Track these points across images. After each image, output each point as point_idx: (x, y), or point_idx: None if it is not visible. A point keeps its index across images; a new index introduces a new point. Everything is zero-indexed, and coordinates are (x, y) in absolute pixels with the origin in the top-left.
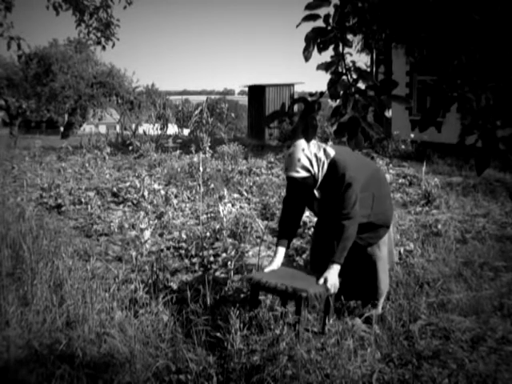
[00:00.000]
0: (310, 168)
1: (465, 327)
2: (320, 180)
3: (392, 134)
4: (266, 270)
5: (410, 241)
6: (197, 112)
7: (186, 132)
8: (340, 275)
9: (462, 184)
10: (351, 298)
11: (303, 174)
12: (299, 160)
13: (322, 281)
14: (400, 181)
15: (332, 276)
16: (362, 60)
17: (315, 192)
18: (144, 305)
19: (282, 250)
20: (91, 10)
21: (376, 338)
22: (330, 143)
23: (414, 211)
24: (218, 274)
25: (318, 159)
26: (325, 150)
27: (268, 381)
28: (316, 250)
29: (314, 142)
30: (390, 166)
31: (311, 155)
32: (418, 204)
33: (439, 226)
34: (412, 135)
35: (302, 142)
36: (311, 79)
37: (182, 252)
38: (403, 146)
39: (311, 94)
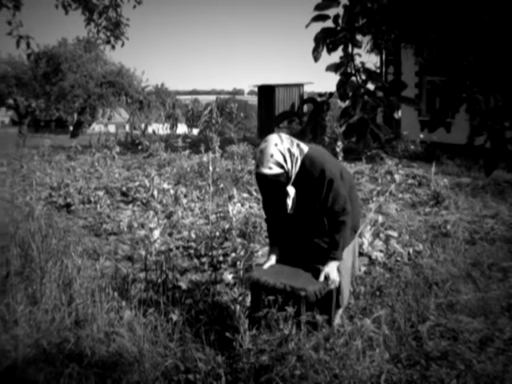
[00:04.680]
0: (284, 164)
1: (473, 328)
2: (294, 177)
3: (401, 135)
4: (265, 266)
5: (419, 241)
6: (206, 112)
7: (195, 132)
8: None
9: (471, 185)
10: (309, 308)
11: (276, 170)
12: (272, 155)
13: (322, 277)
14: (409, 181)
15: (333, 272)
16: (371, 61)
17: (288, 189)
18: (153, 304)
19: (273, 251)
20: (100, 9)
21: (385, 339)
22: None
23: (423, 212)
24: (226, 273)
25: (291, 154)
26: (298, 145)
27: (276, 381)
28: (285, 250)
29: (286, 137)
30: (400, 166)
31: (285, 150)
32: (427, 205)
33: (448, 227)
34: (421, 136)
35: (274, 137)
36: (320, 79)
37: (192, 252)
38: (412, 147)
39: (320, 95)
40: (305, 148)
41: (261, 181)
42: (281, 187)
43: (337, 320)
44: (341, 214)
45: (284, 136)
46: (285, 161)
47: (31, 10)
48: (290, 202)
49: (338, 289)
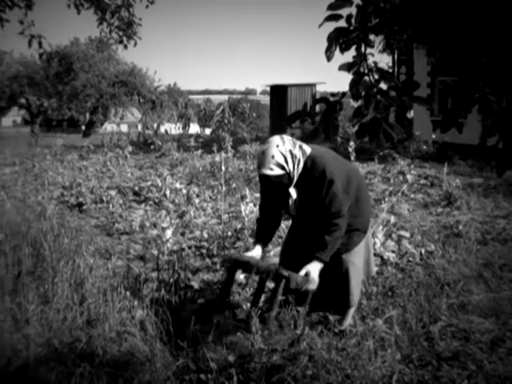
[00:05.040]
0: (285, 165)
1: (484, 328)
2: (296, 178)
3: (413, 135)
4: (247, 254)
5: (431, 242)
6: (219, 111)
7: (207, 131)
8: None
9: (483, 185)
10: (319, 309)
11: (277, 171)
12: (273, 157)
13: (303, 272)
14: (421, 181)
15: (314, 271)
16: (384, 61)
17: (291, 191)
18: (165, 303)
19: (259, 246)
20: (113, 9)
21: (396, 339)
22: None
23: (435, 212)
24: (239, 273)
25: (293, 156)
26: (301, 147)
27: (288, 381)
28: (288, 252)
29: (288, 139)
30: (412, 166)
31: (286, 152)
32: (439, 205)
33: (460, 227)
34: (433, 136)
35: (276, 139)
36: (332, 79)
37: (204, 251)
38: (425, 147)
39: (333, 94)
40: (307, 149)
41: (263, 181)
42: (283, 188)
43: (348, 320)
44: (335, 216)
45: (286, 138)
46: (286, 162)
47: (43, 9)
48: (292, 203)
49: (348, 289)
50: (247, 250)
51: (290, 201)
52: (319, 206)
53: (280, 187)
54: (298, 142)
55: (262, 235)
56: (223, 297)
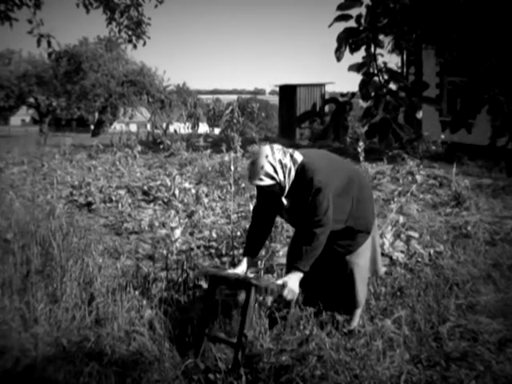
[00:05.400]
0: (275, 175)
1: (492, 329)
2: (287, 187)
3: (422, 135)
4: (228, 271)
5: (440, 242)
6: (228, 111)
7: (216, 131)
8: (318, 283)
9: (492, 186)
10: (328, 309)
11: (267, 181)
12: (262, 167)
13: (280, 282)
14: (430, 182)
15: (292, 282)
16: (393, 61)
17: (283, 200)
18: (174, 303)
19: (246, 259)
20: (122, 9)
21: (405, 339)
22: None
23: (443, 212)
24: (248, 273)
25: (283, 166)
26: (291, 156)
27: (297, 381)
28: (294, 253)
29: (278, 148)
30: (421, 166)
31: (275, 162)
32: (447, 205)
33: (469, 228)
34: (442, 136)
35: (265, 149)
36: (341, 79)
37: (213, 251)
38: (433, 147)
39: (343, 95)
40: (299, 157)
41: (259, 189)
42: (277, 195)
43: (356, 320)
44: (315, 225)
45: (276, 147)
46: (276, 172)
47: (52, 8)
48: (284, 213)
49: (353, 290)
50: (234, 265)
51: (284, 209)
52: (306, 213)
53: (274, 194)
54: (290, 151)
55: (252, 245)
56: (204, 318)
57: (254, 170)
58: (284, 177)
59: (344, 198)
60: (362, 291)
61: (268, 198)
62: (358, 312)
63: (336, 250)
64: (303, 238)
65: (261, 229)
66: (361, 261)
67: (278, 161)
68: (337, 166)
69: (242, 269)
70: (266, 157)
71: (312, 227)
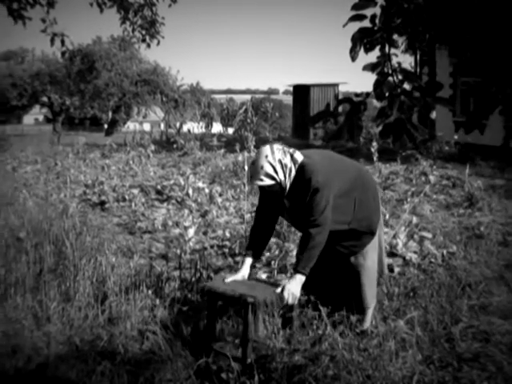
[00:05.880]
0: (275, 175)
1: (505, 330)
2: (288, 187)
3: (436, 136)
4: (227, 280)
5: (453, 243)
6: (241, 111)
7: (230, 131)
8: (324, 285)
9: (505, 187)
10: (337, 310)
11: (268, 181)
12: (262, 167)
13: (279, 290)
14: (443, 182)
15: (292, 286)
16: (406, 61)
17: (284, 200)
18: (187, 302)
19: (248, 261)
20: (136, 8)
21: (417, 340)
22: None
23: (456, 213)
24: (261, 273)
25: (283, 166)
26: (292, 156)
27: (309, 381)
28: None
29: (279, 148)
30: (434, 167)
31: (275, 162)
32: (460, 206)
33: (481, 229)
34: (455, 137)
35: (265, 149)
36: (355, 79)
37: (226, 250)
38: (447, 148)
39: (357, 95)
40: (299, 157)
41: (261, 189)
42: (280, 196)
43: (367, 320)
44: (311, 225)
45: (276, 147)
46: (275, 172)
47: (65, 7)
48: (285, 213)
49: (360, 292)
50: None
51: (285, 209)
52: (304, 213)
53: (276, 195)
54: (290, 150)
55: (254, 246)
56: (209, 333)
57: (254, 170)
58: (284, 177)
59: (346, 199)
60: (369, 293)
61: (270, 198)
62: (369, 312)
63: (339, 251)
64: (301, 239)
65: (263, 229)
66: (366, 262)
67: (277, 161)
68: (339, 167)
69: (243, 273)
70: (266, 157)
71: (308, 227)
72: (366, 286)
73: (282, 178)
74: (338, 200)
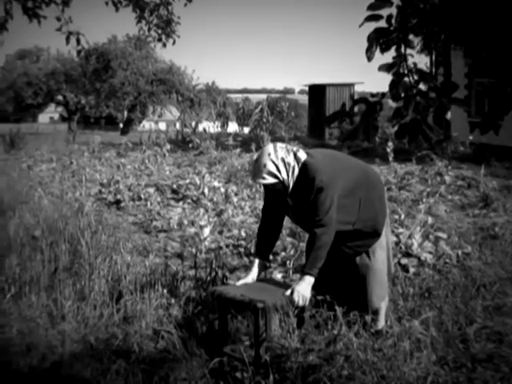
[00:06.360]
0: (277, 174)
1: None
2: (291, 185)
3: (451, 136)
4: (238, 283)
5: (468, 243)
6: (257, 110)
7: (246, 130)
8: (334, 286)
9: None
10: (348, 310)
11: (270, 180)
12: (265, 166)
13: (288, 292)
14: (458, 183)
15: (301, 288)
16: (421, 61)
17: (288, 199)
18: (202, 302)
19: (257, 263)
20: (151, 7)
21: (432, 341)
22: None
23: (471, 214)
24: (276, 272)
25: (286, 164)
26: (295, 155)
27: (324, 381)
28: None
29: (282, 146)
30: (449, 167)
31: (278, 160)
32: (475, 206)
33: (496, 229)
34: (470, 137)
35: (268, 148)
36: (371, 79)
37: (241, 250)
38: (462, 148)
39: (373, 95)
40: (302, 156)
41: (265, 188)
42: (283, 194)
43: (381, 321)
44: (316, 225)
45: (279, 145)
46: (278, 171)
47: (81, 6)
48: (289, 213)
49: (366, 293)
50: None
51: (289, 208)
52: (308, 213)
53: (280, 194)
54: (294, 149)
55: (262, 247)
56: (222, 337)
57: (257, 168)
58: (287, 175)
59: (350, 198)
60: (376, 294)
61: (275, 197)
62: (382, 312)
63: (345, 251)
64: (307, 240)
65: (270, 229)
66: (375, 263)
67: (280, 159)
68: (344, 167)
69: (252, 276)
70: (269, 155)
71: (313, 227)
72: (372, 287)
73: (285, 177)
74: (342, 200)
